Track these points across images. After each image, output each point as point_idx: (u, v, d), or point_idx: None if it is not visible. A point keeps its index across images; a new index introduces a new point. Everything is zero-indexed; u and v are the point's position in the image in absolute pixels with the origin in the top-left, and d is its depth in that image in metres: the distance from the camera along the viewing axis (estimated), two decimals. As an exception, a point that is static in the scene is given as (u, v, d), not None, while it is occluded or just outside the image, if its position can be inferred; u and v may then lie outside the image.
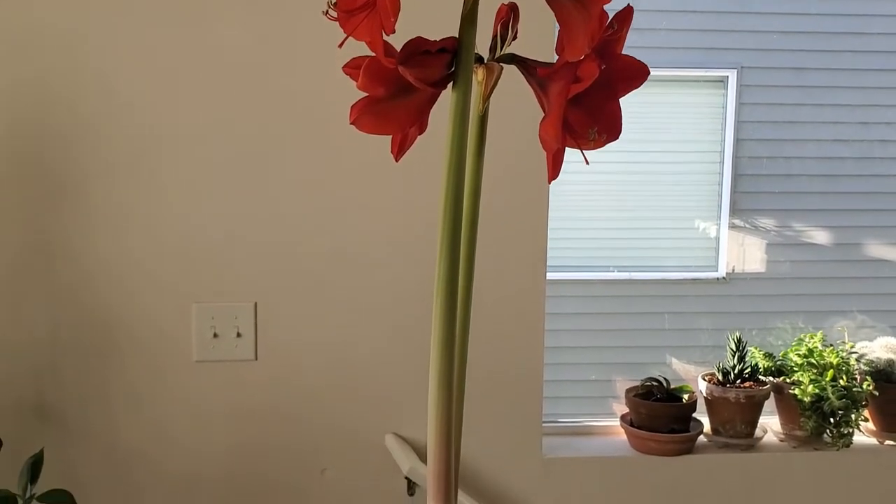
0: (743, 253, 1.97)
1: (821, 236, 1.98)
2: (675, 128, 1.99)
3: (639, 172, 1.97)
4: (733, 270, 1.96)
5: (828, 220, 1.98)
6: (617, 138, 0.70)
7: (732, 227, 1.95)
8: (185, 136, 1.56)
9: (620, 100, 0.69)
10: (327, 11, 0.62)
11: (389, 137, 0.74)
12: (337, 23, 0.65)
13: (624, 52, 0.66)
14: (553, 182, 0.71)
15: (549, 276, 1.72)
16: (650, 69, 0.67)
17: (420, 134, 0.76)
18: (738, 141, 1.95)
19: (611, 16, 0.63)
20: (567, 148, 0.70)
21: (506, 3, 0.72)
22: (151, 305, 1.60)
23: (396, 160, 0.76)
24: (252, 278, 1.61)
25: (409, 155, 0.76)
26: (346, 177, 1.59)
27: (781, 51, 2.00)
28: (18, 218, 1.56)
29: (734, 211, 1.96)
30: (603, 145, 0.69)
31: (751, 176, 1.95)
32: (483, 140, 0.71)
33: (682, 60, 2.00)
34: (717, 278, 1.97)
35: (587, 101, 0.67)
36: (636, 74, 0.67)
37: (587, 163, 0.70)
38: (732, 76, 1.96)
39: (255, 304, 1.62)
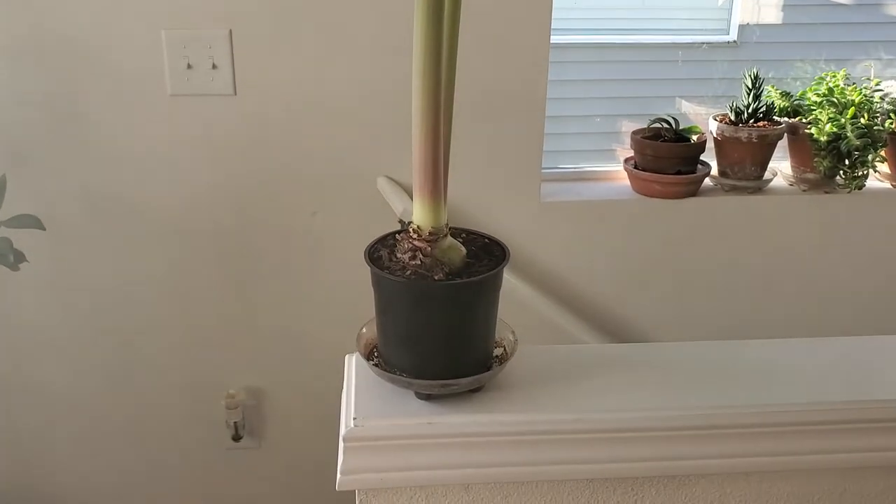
0: (757, 11, 1.78)
1: None
2: None
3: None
4: (748, 24, 1.78)
5: None
6: None
7: None
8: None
9: None
10: None
11: None
12: None
13: None
14: None
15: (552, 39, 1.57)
16: None
17: None
18: None
19: None
20: None
21: None
22: (119, 32, 1.45)
23: None
24: (223, 3, 1.45)
25: None
26: None
27: None
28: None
29: None
30: None
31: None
32: None
33: None
34: (728, 42, 1.81)
35: None
36: None
37: None
38: None
39: (230, 31, 1.48)
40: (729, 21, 1.82)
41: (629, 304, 1.75)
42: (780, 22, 1.79)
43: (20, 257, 1.17)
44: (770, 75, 1.76)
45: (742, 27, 1.76)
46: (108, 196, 1.56)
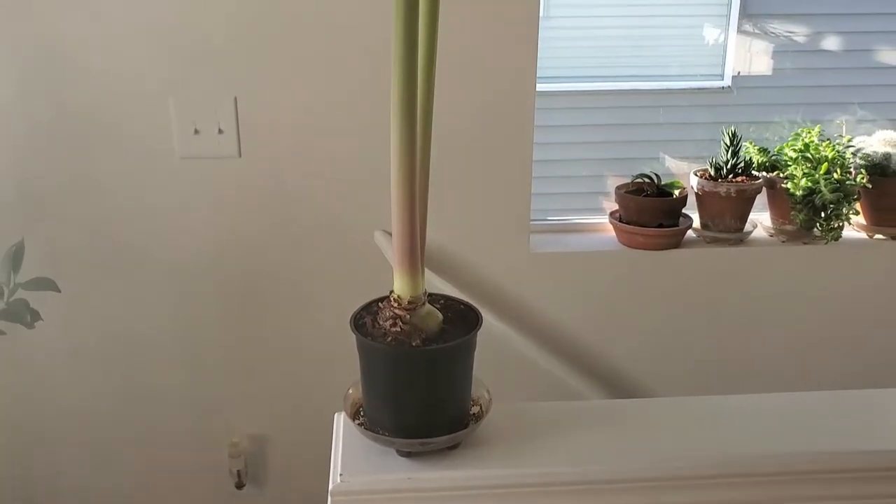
0: (749, 60, 1.88)
1: (831, 42, 1.87)
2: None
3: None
4: (738, 74, 1.87)
5: (840, 25, 1.86)
6: None
7: (742, 31, 1.84)
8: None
9: None
10: None
11: None
12: None
13: None
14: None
15: (543, 87, 1.66)
16: None
17: None
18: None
19: None
20: None
21: None
22: (131, 99, 1.55)
23: None
24: (231, 74, 1.55)
25: None
26: None
27: None
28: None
29: (744, 15, 1.84)
30: None
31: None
32: None
33: None
34: (722, 87, 1.89)
35: None
36: None
37: None
38: None
39: (235, 98, 1.57)
40: (723, 67, 1.91)
41: (616, 352, 1.82)
42: (770, 72, 1.88)
43: (35, 316, 1.25)
44: (770, 119, 1.84)
45: (735, 77, 1.85)
46: (118, 250, 1.65)
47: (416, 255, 0.77)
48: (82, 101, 1.54)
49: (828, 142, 1.73)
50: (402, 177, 0.72)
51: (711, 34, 1.86)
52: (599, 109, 1.90)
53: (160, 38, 1.52)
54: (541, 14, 1.57)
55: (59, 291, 1.33)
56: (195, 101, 1.56)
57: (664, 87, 1.89)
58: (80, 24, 1.49)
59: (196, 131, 1.58)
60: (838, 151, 1.70)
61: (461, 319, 0.82)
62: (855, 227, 1.82)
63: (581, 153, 1.89)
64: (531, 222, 1.72)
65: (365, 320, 0.80)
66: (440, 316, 0.80)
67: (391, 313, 0.78)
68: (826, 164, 1.68)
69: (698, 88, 1.90)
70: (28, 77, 1.52)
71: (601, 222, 1.84)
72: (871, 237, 1.81)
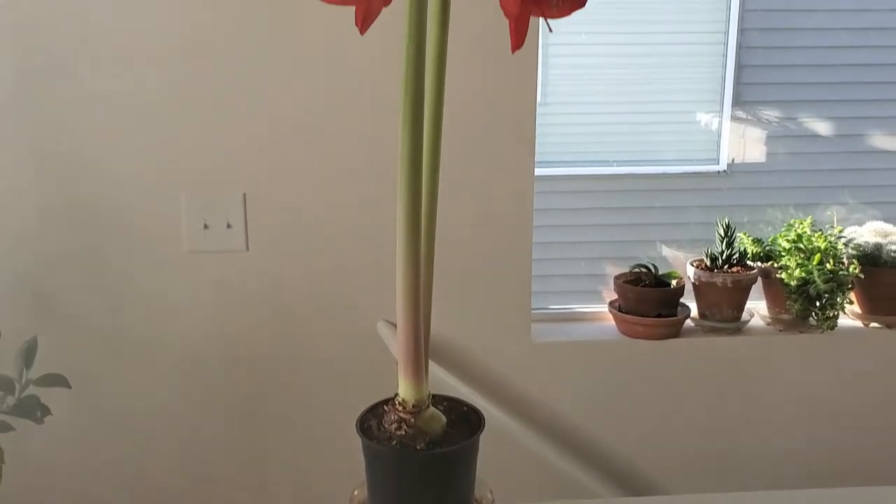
0: (744, 146, 1.95)
1: (823, 127, 1.95)
2: (677, 13, 1.93)
3: (638, 55, 1.92)
4: (733, 161, 1.94)
5: (831, 111, 1.94)
6: (582, 6, 0.68)
7: (735, 118, 1.92)
8: (175, 23, 1.53)
9: None
10: None
11: (355, 17, 0.72)
12: None
13: None
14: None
15: (541, 171, 1.72)
16: None
17: (385, 6, 0.75)
18: (741, 30, 1.90)
19: None
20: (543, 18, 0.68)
21: None
22: (141, 194, 1.60)
23: (361, 33, 0.74)
24: (239, 169, 1.61)
25: (376, 31, 0.74)
26: (320, 64, 1.56)
27: None
28: (14, 100, 1.54)
29: (737, 102, 1.92)
30: (568, 13, 0.68)
31: (755, 66, 1.91)
32: (447, 10, 0.70)
33: None
34: (718, 171, 1.96)
35: (550, -35, 0.65)
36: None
37: (550, 30, 0.68)
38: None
39: (244, 194, 1.62)
40: (718, 152, 1.97)
41: (618, 443, 1.82)
42: (764, 158, 1.95)
43: (46, 412, 1.27)
44: (764, 202, 1.90)
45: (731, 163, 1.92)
46: (126, 342, 1.67)
47: (421, 361, 0.80)
48: (94, 197, 1.60)
49: (820, 233, 1.78)
50: (407, 289, 0.76)
51: (706, 120, 1.94)
52: (597, 193, 1.96)
53: (173, 136, 1.58)
54: (539, 100, 1.64)
55: (70, 387, 1.35)
56: (206, 197, 1.62)
57: (661, 172, 1.95)
58: (92, 120, 1.56)
59: (206, 226, 1.63)
60: (830, 242, 1.75)
61: (464, 421, 0.84)
62: (850, 315, 1.85)
63: (578, 236, 1.94)
64: (532, 311, 1.75)
65: (370, 423, 0.82)
66: (444, 419, 0.83)
67: (396, 416, 0.80)
68: (819, 254, 1.72)
69: (695, 173, 1.96)
70: (41, 173, 1.58)
71: (601, 311, 1.88)
72: (866, 325, 1.84)
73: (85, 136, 1.57)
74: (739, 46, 1.90)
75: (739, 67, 1.90)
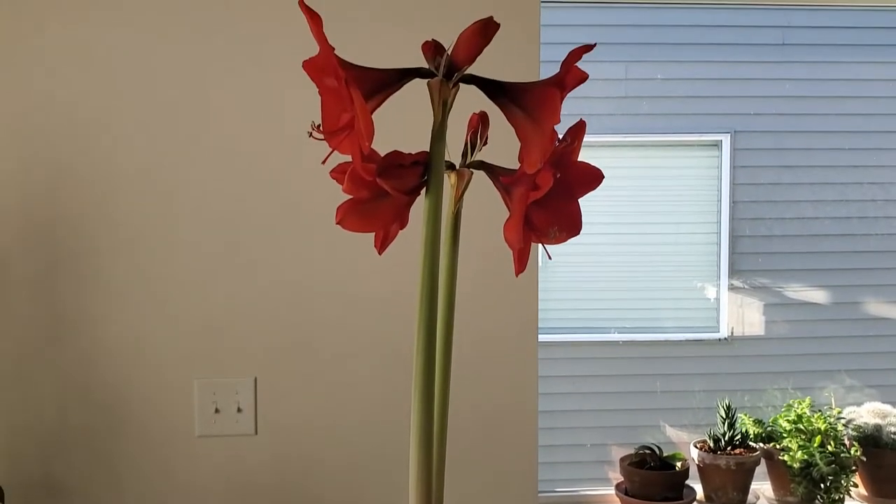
0: (742, 314, 2.02)
1: (818, 295, 2.02)
2: (673, 189, 2.07)
3: (638, 233, 2.03)
4: (732, 333, 2.01)
5: (824, 280, 2.03)
6: (577, 234, 0.77)
7: (732, 288, 2.01)
8: (188, 215, 1.64)
9: (581, 199, 0.76)
10: (311, 133, 0.69)
11: (374, 240, 0.81)
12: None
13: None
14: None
15: (546, 338, 1.77)
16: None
17: (402, 229, 0.83)
18: (734, 203, 2.02)
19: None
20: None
21: (477, 112, 0.79)
22: (154, 382, 1.65)
23: (380, 254, 0.83)
24: (251, 354, 1.67)
25: (393, 245, 0.83)
26: (338, 264, 1.66)
27: (773, 115, 2.09)
28: (26, 294, 1.63)
29: (733, 272, 2.01)
30: (564, 241, 0.76)
31: (748, 237, 2.02)
32: (457, 238, 0.78)
33: (678, 126, 2.10)
34: (720, 339, 2.02)
35: (548, 202, 0.74)
36: (592, 179, 0.74)
37: (549, 257, 0.76)
38: (726, 140, 2.05)
39: (255, 378, 1.68)
40: (718, 320, 2.03)
41: None
42: (762, 325, 2.00)
43: None
44: (765, 369, 1.93)
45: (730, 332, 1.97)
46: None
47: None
48: (110, 375, 1.65)
49: (819, 413, 1.81)
50: (420, 491, 0.80)
51: (705, 289, 2.02)
52: (599, 359, 2.01)
53: (190, 319, 1.65)
54: (540, 263, 1.71)
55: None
56: (218, 381, 1.67)
57: (664, 339, 2.01)
58: (109, 304, 1.64)
59: (217, 410, 1.67)
60: (830, 423, 1.78)
61: None
62: (857, 497, 1.84)
63: (580, 403, 1.97)
64: (539, 493, 1.75)
65: None
66: None
67: None
68: (819, 436, 1.75)
69: (696, 340, 2.02)
70: (52, 358, 1.63)
71: (608, 493, 1.87)
72: (873, 508, 1.83)
73: (101, 327, 1.64)
74: (732, 218, 2.02)
75: (734, 238, 2.01)
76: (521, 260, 0.74)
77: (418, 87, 0.73)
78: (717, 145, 2.08)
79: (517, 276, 0.75)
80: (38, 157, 1.62)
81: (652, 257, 2.05)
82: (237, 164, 1.64)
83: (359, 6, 1.63)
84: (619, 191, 2.03)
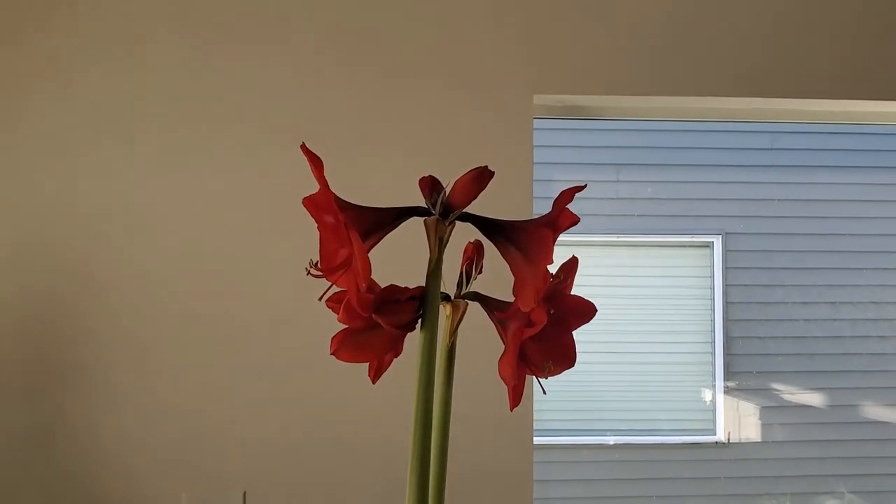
0: (738, 417, 2.00)
1: (814, 398, 2.01)
2: (667, 289, 2.08)
3: (634, 332, 2.03)
4: (729, 437, 1.98)
5: (821, 382, 2.02)
6: (571, 367, 0.77)
7: (727, 390, 1.99)
8: (185, 322, 1.64)
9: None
10: (309, 271, 0.70)
11: (368, 369, 0.81)
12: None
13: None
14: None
15: (542, 440, 1.73)
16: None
17: (395, 357, 0.83)
18: (727, 304, 2.03)
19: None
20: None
21: (472, 242, 0.80)
22: (143, 495, 1.62)
23: (373, 382, 0.82)
24: (241, 468, 1.64)
25: (387, 373, 0.83)
26: (330, 389, 1.64)
27: (764, 217, 2.12)
28: (20, 400, 1.60)
29: (728, 373, 2.00)
30: (558, 373, 0.76)
31: (742, 338, 2.01)
32: (451, 370, 0.78)
33: (670, 227, 2.13)
34: (716, 442, 1.99)
35: (543, 336, 0.74)
36: (585, 312, 0.75)
37: (544, 392, 0.76)
38: (717, 241, 2.07)
39: (244, 493, 1.64)
40: (714, 422, 2.00)
41: None
42: (759, 428, 1.97)
43: None
44: (762, 474, 1.89)
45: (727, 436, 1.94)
46: None
47: None
48: (95, 499, 1.61)
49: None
50: None
51: (700, 391, 2.00)
52: (595, 463, 1.97)
53: (178, 433, 1.62)
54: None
55: None
56: (206, 496, 1.63)
57: (659, 442, 1.97)
58: (104, 410, 1.61)
59: (204, 526, 1.63)
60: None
61: None
62: None
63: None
64: None
65: None
66: None
67: None
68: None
69: (692, 444, 1.98)
70: (40, 470, 1.60)
71: None
72: None
73: (92, 436, 1.61)
74: (726, 319, 2.02)
75: (728, 339, 2.01)
76: (516, 396, 0.74)
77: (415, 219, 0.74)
78: (708, 247, 2.10)
79: (511, 411, 0.75)
80: (32, 288, 1.63)
81: (647, 356, 2.04)
82: (231, 282, 1.65)
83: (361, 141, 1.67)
84: (613, 289, 2.04)
